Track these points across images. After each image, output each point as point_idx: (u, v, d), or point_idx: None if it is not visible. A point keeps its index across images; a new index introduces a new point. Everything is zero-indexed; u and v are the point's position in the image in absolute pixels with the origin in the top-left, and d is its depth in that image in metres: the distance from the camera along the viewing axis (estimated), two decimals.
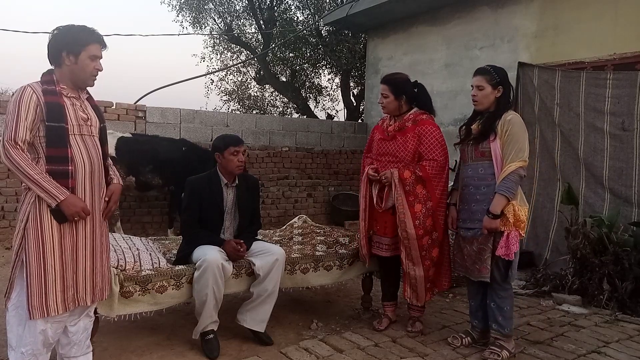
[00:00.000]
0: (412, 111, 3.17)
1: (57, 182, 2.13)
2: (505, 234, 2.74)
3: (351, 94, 12.10)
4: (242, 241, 3.05)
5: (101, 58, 2.30)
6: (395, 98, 3.12)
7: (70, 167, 2.17)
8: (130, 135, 5.77)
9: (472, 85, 2.92)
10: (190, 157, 5.85)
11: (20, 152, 2.08)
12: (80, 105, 2.28)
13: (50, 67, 2.28)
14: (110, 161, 2.47)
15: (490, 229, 2.75)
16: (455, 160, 3.26)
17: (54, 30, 2.24)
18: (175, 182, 5.81)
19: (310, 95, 13.47)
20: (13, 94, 2.15)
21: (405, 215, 3.01)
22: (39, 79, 2.21)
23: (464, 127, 3.04)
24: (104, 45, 2.30)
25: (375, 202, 3.16)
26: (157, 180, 5.79)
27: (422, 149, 3.06)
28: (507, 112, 2.83)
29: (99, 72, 2.30)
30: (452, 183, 3.21)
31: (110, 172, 2.45)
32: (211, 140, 6.57)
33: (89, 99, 2.38)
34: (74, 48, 2.20)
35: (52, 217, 2.14)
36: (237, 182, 3.17)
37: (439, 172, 3.05)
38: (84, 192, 2.24)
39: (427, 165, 3.02)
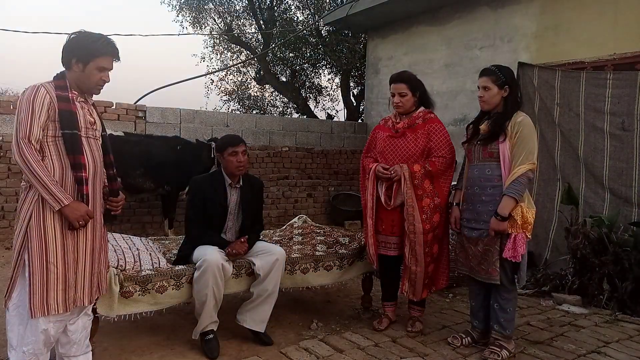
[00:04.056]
0: (420, 109, 3.22)
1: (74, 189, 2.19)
2: (512, 236, 2.73)
3: (351, 94, 12.10)
4: (245, 238, 3.07)
5: (110, 70, 2.31)
6: (412, 95, 3.17)
7: (84, 174, 2.20)
8: (122, 134, 5.60)
9: (478, 86, 2.93)
10: (185, 155, 5.74)
11: (33, 151, 2.10)
12: (88, 109, 2.32)
13: (62, 68, 2.29)
14: (114, 171, 2.47)
15: (498, 231, 2.75)
16: (456, 161, 3.27)
17: (72, 34, 2.25)
18: (170, 182, 5.71)
19: (310, 95, 13.47)
20: (24, 92, 2.16)
21: (414, 209, 3.03)
22: (52, 81, 2.22)
23: (471, 125, 3.04)
24: (116, 58, 2.31)
25: (383, 200, 3.14)
26: (149, 184, 5.62)
27: (431, 146, 3.11)
28: (517, 113, 2.83)
29: (105, 83, 2.32)
30: (454, 183, 3.22)
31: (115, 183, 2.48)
32: None
33: (93, 104, 2.41)
34: (84, 57, 2.21)
35: (54, 217, 2.15)
36: (241, 183, 3.17)
37: (447, 168, 3.12)
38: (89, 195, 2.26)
39: (437, 161, 3.08)
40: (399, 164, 3.09)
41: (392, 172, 3.07)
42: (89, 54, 2.21)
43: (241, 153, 3.06)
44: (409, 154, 3.11)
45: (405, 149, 3.13)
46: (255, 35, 12.45)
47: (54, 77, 2.25)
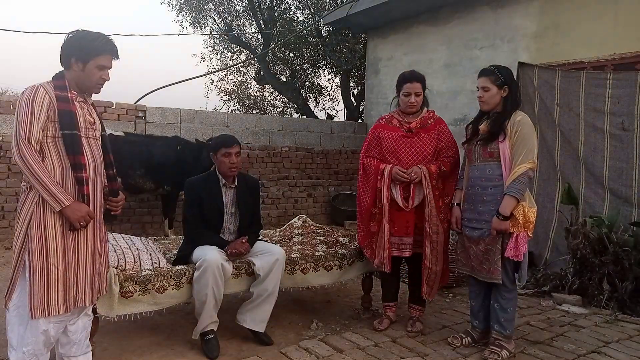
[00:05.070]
0: (425, 109, 3.25)
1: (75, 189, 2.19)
2: (514, 235, 2.74)
3: (351, 94, 12.09)
4: (246, 238, 3.08)
5: (110, 68, 2.30)
6: (423, 94, 3.20)
7: (85, 175, 2.20)
8: (122, 134, 5.60)
9: (477, 87, 2.93)
10: (185, 156, 5.74)
11: (33, 152, 2.10)
12: (87, 109, 2.31)
13: (61, 68, 2.28)
14: (114, 171, 2.46)
15: (500, 231, 2.75)
16: None
17: (70, 33, 2.24)
18: (170, 182, 5.72)
19: (310, 95, 13.47)
20: (24, 93, 2.15)
21: (436, 209, 3.06)
22: (51, 81, 2.22)
23: (470, 126, 3.04)
24: (115, 56, 2.31)
25: (401, 202, 3.10)
26: (149, 185, 5.63)
27: (441, 147, 3.16)
28: (516, 113, 2.83)
29: (105, 82, 2.31)
30: None
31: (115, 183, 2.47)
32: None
33: (93, 104, 2.41)
34: (84, 56, 2.21)
35: (55, 217, 2.15)
36: (236, 183, 3.17)
37: (455, 168, 3.19)
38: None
39: (449, 162, 3.14)
40: (416, 165, 3.08)
41: (413, 174, 3.06)
42: (88, 53, 2.21)
43: (234, 154, 3.05)
44: (424, 154, 3.12)
45: (420, 149, 3.13)
46: (255, 35, 12.44)
47: (53, 77, 2.24)
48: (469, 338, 3.05)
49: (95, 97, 2.45)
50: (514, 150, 2.77)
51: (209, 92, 17.14)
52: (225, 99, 14.37)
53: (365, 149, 3.30)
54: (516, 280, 2.91)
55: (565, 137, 4.70)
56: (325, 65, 12.41)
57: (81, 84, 2.27)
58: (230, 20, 11.93)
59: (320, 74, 13.19)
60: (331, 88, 14.00)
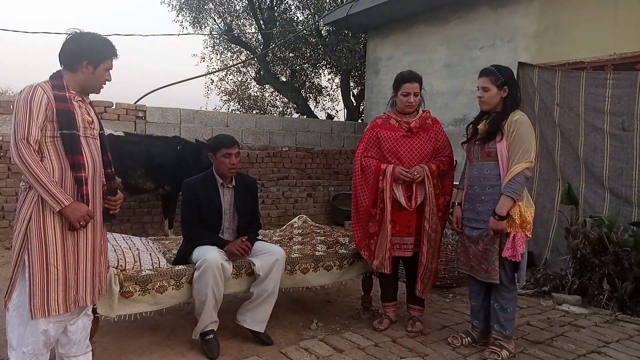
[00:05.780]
0: (421, 109, 3.27)
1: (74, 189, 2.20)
2: (512, 235, 2.74)
3: (351, 94, 12.09)
4: (245, 238, 3.06)
5: (111, 69, 2.35)
6: (420, 94, 3.22)
7: (84, 174, 2.20)
8: (123, 134, 5.60)
9: (477, 87, 2.93)
10: (185, 156, 5.74)
11: (32, 152, 2.09)
12: (85, 108, 2.32)
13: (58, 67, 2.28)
14: (112, 170, 2.46)
15: (497, 230, 2.75)
16: (456, 160, 3.29)
17: (74, 34, 2.25)
18: (170, 183, 5.72)
19: (310, 95, 13.48)
20: (21, 92, 2.15)
21: (436, 208, 3.11)
22: (48, 80, 2.21)
23: (470, 126, 3.04)
24: (116, 57, 2.35)
25: (404, 202, 3.10)
26: (149, 185, 5.63)
27: (438, 146, 3.20)
28: (514, 112, 2.83)
29: (107, 82, 2.36)
30: (455, 182, 3.23)
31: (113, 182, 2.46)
32: None
33: (90, 103, 2.41)
34: (96, 59, 2.24)
35: (54, 217, 2.15)
36: (234, 182, 3.16)
37: (451, 167, 3.23)
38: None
39: (446, 161, 3.19)
40: (417, 164, 3.11)
41: (416, 173, 3.07)
42: (100, 57, 2.25)
43: (234, 155, 3.04)
44: (424, 154, 3.14)
45: (420, 149, 3.14)
46: (255, 35, 12.44)
47: (50, 76, 2.23)
48: (469, 338, 3.05)
49: (95, 97, 2.46)
50: (511, 149, 2.76)
51: (209, 92, 17.16)
52: (225, 99, 14.39)
53: (362, 149, 3.25)
54: (515, 281, 2.91)
55: (565, 137, 4.70)
56: (325, 65, 12.41)
57: (89, 85, 2.29)
58: (230, 20, 11.92)
59: (320, 74, 13.20)
60: (331, 88, 14.02)
